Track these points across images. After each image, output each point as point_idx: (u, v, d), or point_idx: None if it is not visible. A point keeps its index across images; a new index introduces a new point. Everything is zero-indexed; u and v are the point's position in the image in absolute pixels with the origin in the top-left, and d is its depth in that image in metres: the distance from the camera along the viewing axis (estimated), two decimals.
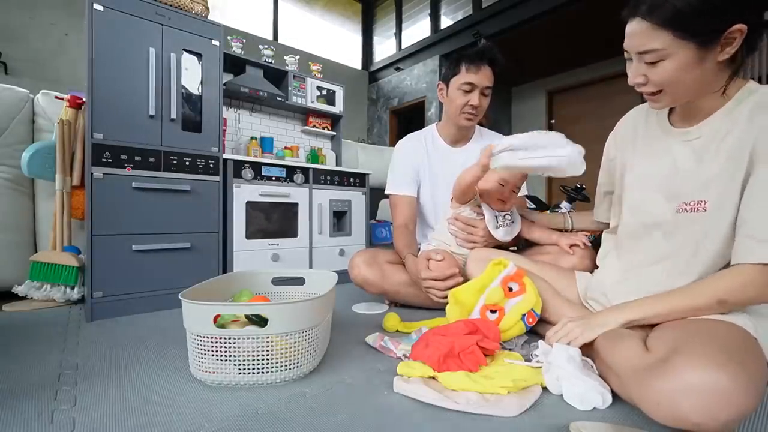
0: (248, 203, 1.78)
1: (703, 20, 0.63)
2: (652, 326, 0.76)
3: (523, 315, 0.96)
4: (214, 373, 0.78)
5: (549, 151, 0.92)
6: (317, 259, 2.04)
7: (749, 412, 0.52)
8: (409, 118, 5.89)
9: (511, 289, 0.99)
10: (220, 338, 0.77)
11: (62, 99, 1.60)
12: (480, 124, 1.54)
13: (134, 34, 1.38)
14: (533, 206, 1.98)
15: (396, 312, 1.26)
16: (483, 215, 1.19)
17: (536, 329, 1.03)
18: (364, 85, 6.48)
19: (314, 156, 2.41)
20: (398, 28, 5.87)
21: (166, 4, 1.47)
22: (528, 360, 0.83)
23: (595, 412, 0.68)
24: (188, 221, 1.51)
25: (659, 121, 0.85)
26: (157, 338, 1.10)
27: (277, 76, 2.27)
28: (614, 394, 0.70)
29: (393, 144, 1.69)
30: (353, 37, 6.44)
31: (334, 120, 2.58)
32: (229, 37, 2.06)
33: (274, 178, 1.89)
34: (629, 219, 0.88)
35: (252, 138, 2.25)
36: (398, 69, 5.83)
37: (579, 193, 2.09)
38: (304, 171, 2.01)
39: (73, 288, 1.48)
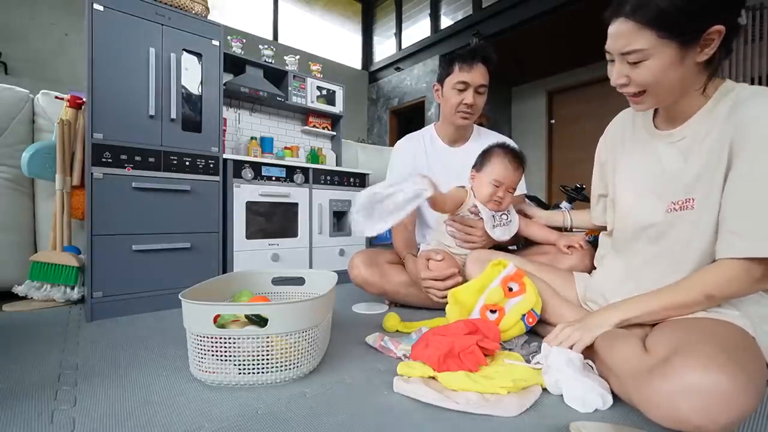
0: (248, 203, 1.78)
1: (686, 20, 0.65)
2: (651, 326, 0.76)
3: (523, 315, 0.96)
4: (214, 373, 0.78)
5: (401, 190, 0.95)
6: (317, 259, 2.04)
7: (749, 413, 0.52)
8: (409, 118, 5.89)
9: (511, 289, 0.99)
10: (220, 338, 0.77)
11: (62, 99, 1.60)
12: (480, 124, 1.54)
13: (134, 34, 1.38)
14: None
15: (396, 312, 1.26)
16: (480, 216, 1.19)
17: (536, 329, 1.03)
18: (364, 85, 6.48)
19: (314, 156, 2.41)
20: (398, 28, 5.87)
21: (166, 4, 1.47)
22: (528, 361, 0.83)
23: (595, 413, 0.68)
24: (188, 221, 1.51)
25: (645, 124, 0.87)
26: (157, 338, 1.10)
27: (277, 76, 2.27)
28: (614, 395, 0.70)
29: (393, 144, 1.69)
30: (353, 37, 6.43)
31: (334, 120, 2.58)
32: (229, 37, 2.07)
33: (274, 178, 1.88)
34: (623, 221, 0.89)
35: (252, 138, 2.25)
36: (398, 69, 5.83)
37: (579, 193, 2.09)
38: (304, 171, 2.01)
39: (73, 288, 1.48)
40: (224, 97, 1.74)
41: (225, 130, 2.12)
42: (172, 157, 1.47)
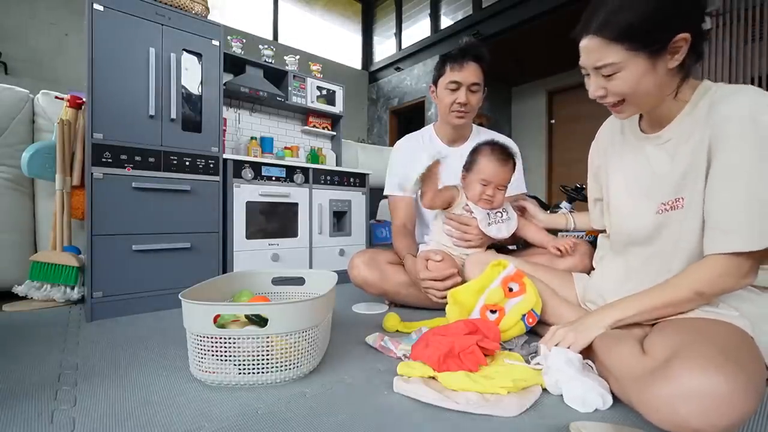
0: (248, 203, 1.78)
1: (651, 32, 0.67)
2: (650, 326, 0.76)
3: (523, 315, 0.96)
4: (214, 373, 0.78)
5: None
6: (317, 259, 2.04)
7: (749, 415, 0.52)
8: (409, 118, 5.90)
9: (511, 290, 0.99)
10: (220, 338, 0.77)
11: (62, 99, 1.60)
12: (480, 123, 1.55)
13: (134, 34, 1.38)
14: None
15: (396, 312, 1.27)
16: (474, 215, 1.20)
17: (536, 330, 1.03)
18: (364, 85, 6.49)
19: (314, 156, 2.41)
20: (398, 28, 5.87)
21: (166, 4, 1.47)
22: (528, 362, 0.83)
23: (595, 412, 0.68)
24: (188, 221, 1.51)
25: (631, 128, 0.88)
26: (157, 338, 1.10)
27: (277, 76, 2.27)
28: (614, 395, 0.70)
29: (393, 144, 1.69)
30: (353, 37, 6.44)
31: (334, 120, 2.58)
32: (229, 37, 2.06)
33: (274, 178, 1.88)
34: (618, 224, 0.90)
35: (252, 138, 2.25)
36: (398, 69, 5.83)
37: (579, 193, 2.09)
38: (304, 171, 2.00)
39: (73, 288, 1.48)
40: (224, 97, 1.74)
41: (225, 130, 2.12)
42: (172, 157, 1.47)
